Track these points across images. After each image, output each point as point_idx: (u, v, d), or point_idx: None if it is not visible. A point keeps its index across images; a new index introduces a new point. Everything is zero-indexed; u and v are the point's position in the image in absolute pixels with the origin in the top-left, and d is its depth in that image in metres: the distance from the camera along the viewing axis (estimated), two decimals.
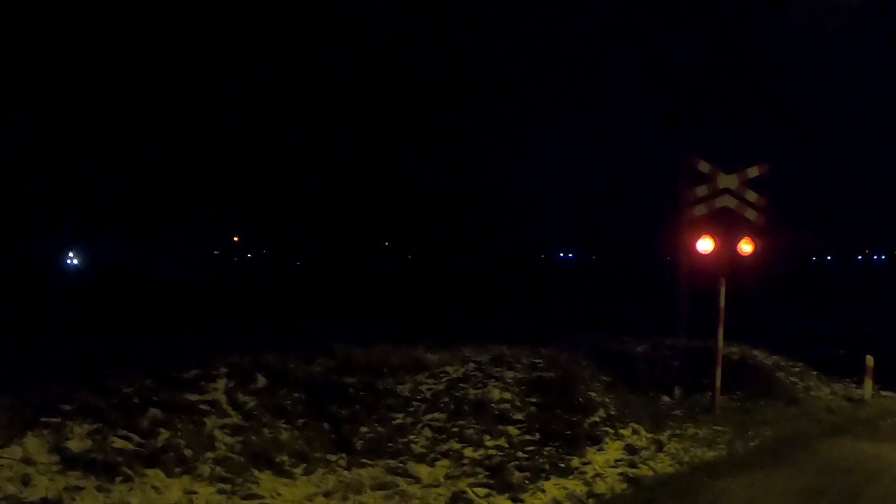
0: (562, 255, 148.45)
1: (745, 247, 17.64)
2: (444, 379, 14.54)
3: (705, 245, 17.95)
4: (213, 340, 17.70)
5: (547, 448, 13.31)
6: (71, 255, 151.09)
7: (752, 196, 18.48)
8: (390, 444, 12.38)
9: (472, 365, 15.24)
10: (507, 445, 13.06)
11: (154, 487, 9.61)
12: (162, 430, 10.66)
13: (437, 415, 13.47)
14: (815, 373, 23.18)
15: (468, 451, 12.62)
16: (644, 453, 14.10)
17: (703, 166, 18.86)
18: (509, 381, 14.94)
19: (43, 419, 9.97)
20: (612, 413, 15.34)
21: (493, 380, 14.85)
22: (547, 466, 12.68)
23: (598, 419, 14.86)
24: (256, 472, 10.65)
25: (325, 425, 12.48)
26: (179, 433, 10.73)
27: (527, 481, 11.94)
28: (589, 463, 13.23)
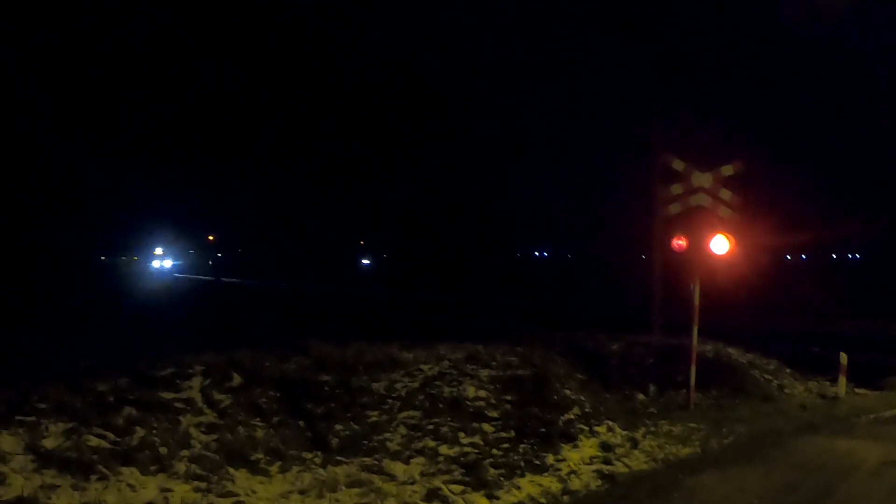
0: (536, 253, 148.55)
1: (720, 245, 17.68)
2: (419, 377, 14.56)
3: (680, 243, 18.02)
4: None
5: (522, 445, 13.35)
6: (158, 251, 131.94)
7: (726, 194, 18.52)
8: (365, 442, 12.39)
9: (447, 362, 15.27)
10: (482, 443, 13.08)
11: (129, 486, 9.59)
12: (137, 428, 10.65)
13: (412, 412, 13.49)
14: (789, 370, 23.35)
15: (443, 449, 12.63)
16: (619, 450, 14.17)
17: (678, 164, 18.90)
18: (484, 378, 14.97)
19: (18, 417, 9.96)
20: (587, 410, 15.40)
21: (469, 377, 14.88)
22: (522, 463, 12.72)
23: (572, 416, 14.92)
24: (232, 470, 10.65)
25: (301, 423, 12.48)
26: (155, 431, 10.73)
27: (502, 478, 11.98)
28: (564, 460, 13.28)
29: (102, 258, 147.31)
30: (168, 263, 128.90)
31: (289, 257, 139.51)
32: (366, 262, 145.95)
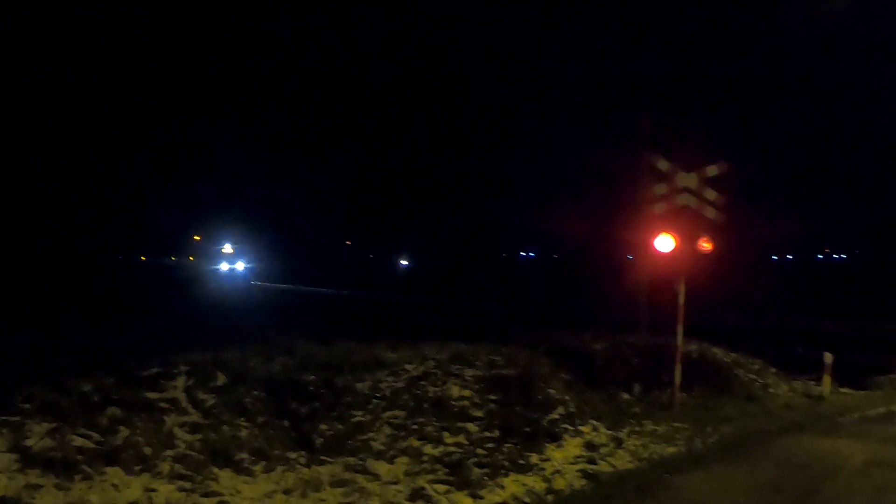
0: (523, 253, 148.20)
1: (704, 245, 17.75)
2: (403, 376, 14.59)
3: (665, 243, 18.06)
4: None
5: (506, 445, 13.38)
6: (227, 248, 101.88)
7: (711, 194, 18.57)
8: (350, 442, 12.41)
9: (431, 362, 15.29)
10: (466, 442, 13.11)
11: (113, 485, 9.60)
12: (121, 428, 10.65)
13: (396, 412, 13.52)
14: (773, 370, 23.40)
15: (427, 449, 12.66)
16: (603, 450, 14.21)
17: (662, 164, 18.95)
18: (469, 378, 15.00)
19: (2, 417, 9.95)
20: (571, 410, 15.44)
21: (453, 377, 14.90)
22: (506, 463, 12.75)
23: (557, 416, 14.95)
24: (216, 470, 10.66)
25: (285, 423, 12.50)
26: (139, 431, 10.72)
27: (486, 478, 12.00)
28: (548, 459, 13.31)
29: (142, 258, 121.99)
30: (241, 266, 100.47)
31: (326, 260, 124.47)
32: (404, 262, 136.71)
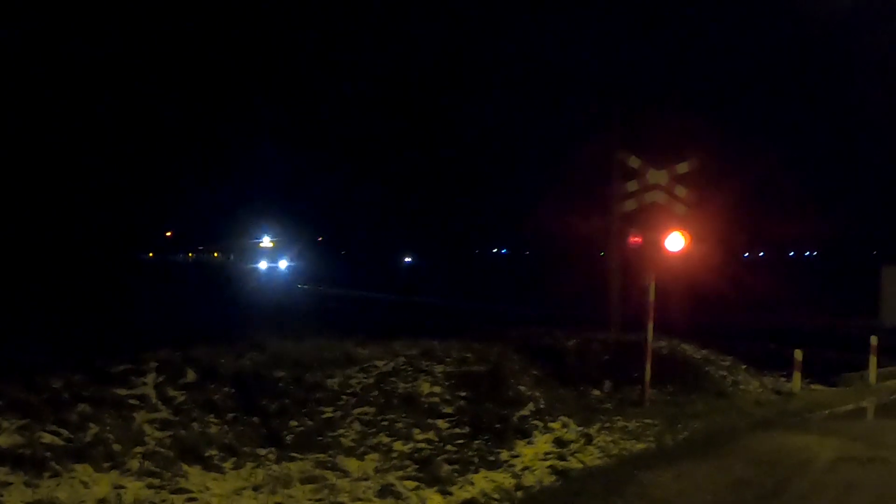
0: (494, 250, 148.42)
1: (676, 242, 17.75)
2: (373, 373, 14.62)
3: (636, 240, 18.11)
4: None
5: (476, 441, 13.41)
6: (266, 241, 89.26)
7: (681, 191, 18.60)
8: (320, 438, 12.42)
9: (402, 359, 15.33)
10: (436, 439, 13.15)
11: (82, 482, 9.59)
12: (91, 424, 10.66)
13: (366, 408, 13.54)
14: (744, 366, 23.41)
15: (397, 445, 12.69)
16: (573, 446, 14.22)
17: (633, 161, 18.98)
18: (439, 374, 15.04)
19: None
20: (541, 406, 15.46)
21: (423, 374, 14.95)
22: (476, 459, 12.78)
23: (527, 413, 14.98)
24: (185, 467, 10.66)
25: (255, 419, 12.50)
26: (108, 428, 10.73)
27: (455, 474, 12.03)
28: (518, 456, 13.34)
29: (150, 255, 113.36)
30: (283, 264, 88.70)
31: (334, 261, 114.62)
32: (408, 259, 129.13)
